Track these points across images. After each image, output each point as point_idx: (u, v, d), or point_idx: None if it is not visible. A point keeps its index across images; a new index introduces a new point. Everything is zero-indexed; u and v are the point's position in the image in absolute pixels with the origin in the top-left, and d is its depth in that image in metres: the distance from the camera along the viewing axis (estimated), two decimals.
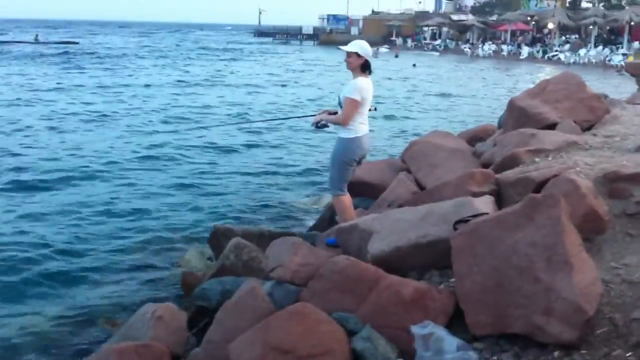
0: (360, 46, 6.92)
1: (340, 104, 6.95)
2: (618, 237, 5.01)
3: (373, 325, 4.31)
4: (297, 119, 16.92)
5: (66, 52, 57.75)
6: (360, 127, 6.94)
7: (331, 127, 7.23)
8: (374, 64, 7.18)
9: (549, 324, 3.81)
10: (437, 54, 72.37)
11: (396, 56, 66.00)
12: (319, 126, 7.11)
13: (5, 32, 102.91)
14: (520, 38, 73.52)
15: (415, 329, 4.09)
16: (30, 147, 16.33)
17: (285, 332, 4.19)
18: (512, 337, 4.01)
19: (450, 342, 3.95)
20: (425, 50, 77.54)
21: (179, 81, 35.42)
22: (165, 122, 21.45)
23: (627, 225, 5.16)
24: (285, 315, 4.34)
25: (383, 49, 74.00)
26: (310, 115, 7.85)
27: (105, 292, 7.91)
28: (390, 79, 40.90)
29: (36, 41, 74.44)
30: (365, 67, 6.94)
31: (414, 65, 53.37)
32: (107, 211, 11.16)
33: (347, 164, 7.01)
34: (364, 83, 6.87)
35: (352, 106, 6.78)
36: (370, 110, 7.16)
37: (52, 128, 19.53)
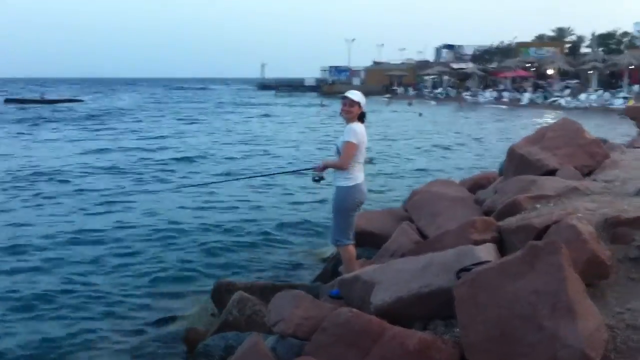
0: (360, 97, 7.03)
1: (338, 151, 6.98)
2: (621, 282, 4.98)
3: None
4: (296, 173, 16.99)
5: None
6: (358, 174, 6.99)
7: (328, 179, 7.23)
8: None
9: None
10: (434, 102, 72.81)
11: (409, 104, 66.84)
12: (317, 179, 7.12)
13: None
14: (521, 85, 74.14)
15: None
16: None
17: None
18: None
19: None
20: (426, 99, 78.16)
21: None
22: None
23: (630, 269, 5.14)
24: None
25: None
26: (309, 169, 7.86)
27: (108, 348, 7.83)
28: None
29: (42, 99, 75.31)
30: (361, 117, 7.03)
31: (420, 114, 53.73)
32: (109, 265, 11.15)
33: (351, 211, 7.03)
34: (360, 128, 6.95)
35: (351, 149, 6.84)
36: (367, 162, 7.20)
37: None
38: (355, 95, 7.02)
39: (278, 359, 4.83)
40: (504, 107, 62.99)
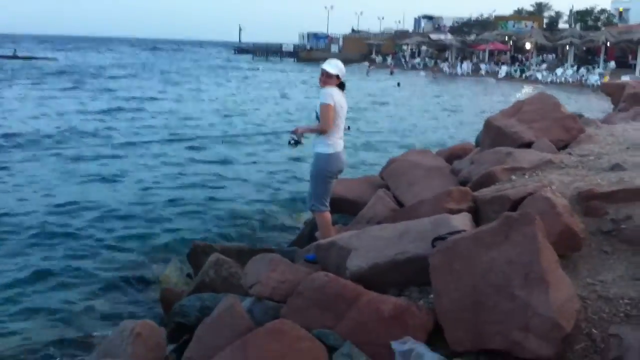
0: (339, 68, 6.98)
1: (317, 117, 6.97)
2: (594, 254, 5.09)
3: (353, 342, 4.32)
4: (273, 134, 16.97)
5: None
6: (338, 142, 6.98)
7: (307, 144, 7.22)
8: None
9: (527, 340, 3.87)
10: (424, 74, 72.23)
11: (391, 73, 66.28)
12: (292, 142, 7.10)
13: None
14: (498, 57, 74.33)
15: (396, 345, 4.11)
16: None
17: (265, 350, 4.19)
18: (491, 353, 4.05)
19: (430, 358, 3.97)
20: (405, 69, 77.85)
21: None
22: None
23: (602, 242, 5.25)
24: (264, 332, 4.34)
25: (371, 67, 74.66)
26: (287, 132, 7.84)
27: (84, 308, 7.84)
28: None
29: (14, 56, 73.88)
30: (340, 86, 7.01)
31: (398, 84, 53.59)
32: (86, 227, 11.09)
33: (329, 178, 7.04)
34: (336, 92, 6.91)
35: (328, 111, 6.81)
36: (345, 129, 7.19)
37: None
38: (332, 67, 6.96)
39: (254, 321, 4.86)
40: (481, 79, 63.10)
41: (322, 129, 6.86)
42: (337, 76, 6.94)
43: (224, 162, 17.56)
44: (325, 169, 6.98)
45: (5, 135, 19.96)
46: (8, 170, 15.33)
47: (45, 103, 30.26)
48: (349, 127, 7.67)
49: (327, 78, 6.93)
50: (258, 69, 74.73)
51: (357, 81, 53.16)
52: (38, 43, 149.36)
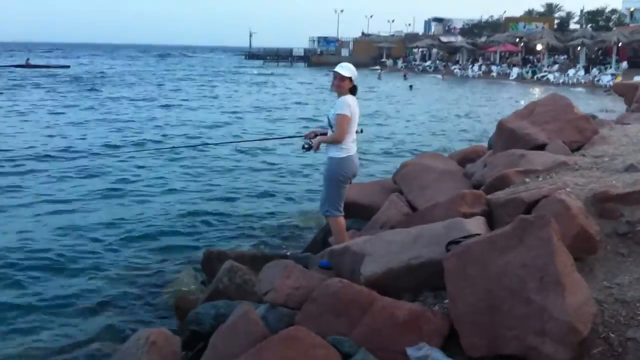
0: (352, 71, 7.00)
1: (330, 124, 6.98)
2: (610, 257, 5.05)
3: (367, 348, 4.31)
4: (288, 139, 16.89)
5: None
6: (351, 146, 7.00)
7: (320, 149, 7.22)
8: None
9: (543, 344, 3.84)
10: (440, 76, 71.83)
11: (405, 77, 65.94)
12: (306, 147, 7.12)
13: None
14: (509, 59, 74.13)
15: (411, 351, 4.10)
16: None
17: (279, 357, 4.18)
18: (507, 358, 4.02)
19: None
20: (416, 72, 77.62)
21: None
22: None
23: (618, 244, 5.20)
24: (278, 339, 4.33)
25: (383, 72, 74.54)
26: (299, 136, 7.85)
27: (99, 317, 7.85)
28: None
29: (27, 65, 74.10)
30: (352, 90, 7.01)
31: (411, 87, 53.51)
32: (100, 235, 11.11)
33: (343, 183, 7.05)
34: (352, 100, 6.94)
35: (345, 122, 6.84)
36: (357, 132, 7.20)
37: None
38: (345, 70, 6.98)
39: (268, 328, 4.85)
40: (492, 81, 62.95)
41: (337, 140, 6.90)
42: (350, 79, 6.95)
43: (236, 168, 17.57)
44: (338, 173, 6.99)
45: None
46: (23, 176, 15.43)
47: (61, 113, 30.34)
48: (361, 130, 7.69)
49: (340, 81, 6.95)
50: (272, 74, 74.53)
51: (370, 84, 53.19)
52: (47, 51, 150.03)
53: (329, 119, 7.01)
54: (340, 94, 6.98)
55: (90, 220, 11.97)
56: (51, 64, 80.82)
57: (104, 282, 8.93)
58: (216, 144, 19.04)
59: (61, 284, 8.88)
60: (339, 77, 6.95)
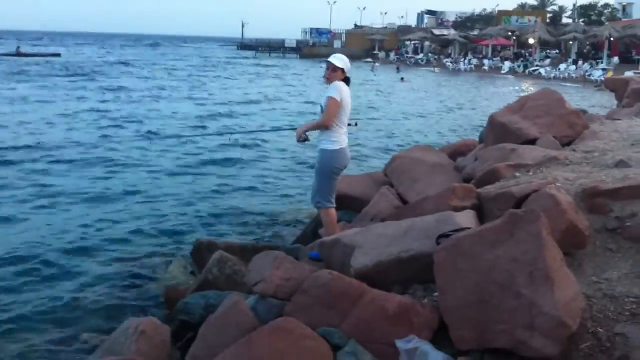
0: (344, 62, 6.99)
1: (322, 111, 6.95)
2: (599, 252, 5.07)
3: (357, 340, 4.32)
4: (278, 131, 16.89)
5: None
6: (343, 138, 6.97)
7: (313, 140, 7.21)
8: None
9: (532, 338, 3.85)
10: (433, 70, 71.70)
11: (397, 69, 65.87)
12: (301, 140, 7.11)
13: None
14: (501, 53, 74.23)
15: (400, 344, 4.11)
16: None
17: (269, 348, 4.19)
18: (496, 352, 4.04)
19: (435, 356, 3.97)
20: (408, 65, 77.50)
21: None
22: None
23: (607, 240, 5.23)
24: (268, 330, 4.33)
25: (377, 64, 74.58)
26: (291, 128, 7.85)
27: (88, 306, 7.83)
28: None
29: (18, 54, 73.49)
30: (345, 82, 7.00)
31: (402, 79, 53.68)
32: (88, 224, 11.09)
33: (334, 174, 7.03)
34: (344, 87, 6.91)
35: (334, 105, 6.78)
36: (350, 125, 7.18)
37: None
38: (339, 61, 6.96)
39: (258, 319, 4.86)
40: (484, 75, 63.04)
41: (324, 123, 6.83)
42: (342, 70, 6.94)
43: (228, 159, 17.55)
44: (331, 165, 6.97)
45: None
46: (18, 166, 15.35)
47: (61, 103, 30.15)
48: (356, 123, 7.67)
49: (332, 72, 6.93)
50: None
51: (364, 77, 53.14)
52: (36, 39, 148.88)
53: (321, 107, 6.98)
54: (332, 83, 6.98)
55: (78, 211, 11.92)
56: (42, 52, 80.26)
57: (93, 272, 8.91)
58: (207, 135, 18.98)
59: (49, 274, 8.85)
60: (332, 68, 6.93)
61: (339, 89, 6.82)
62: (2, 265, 9.10)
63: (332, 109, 6.79)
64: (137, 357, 4.93)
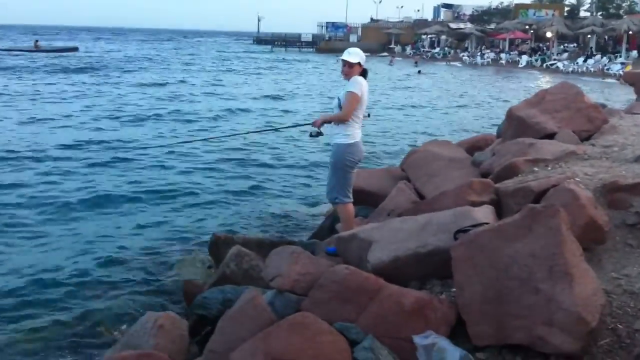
0: (360, 56, 6.97)
1: (339, 105, 6.94)
2: (618, 248, 5.03)
3: (374, 335, 4.31)
4: (294, 128, 16.83)
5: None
6: (357, 131, 6.97)
7: (327, 134, 7.20)
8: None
9: (551, 334, 3.83)
10: (449, 64, 71.44)
11: (415, 63, 65.80)
12: (314, 135, 7.11)
13: None
14: (519, 47, 73.70)
15: (418, 339, 4.10)
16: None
17: (286, 343, 4.19)
18: (514, 347, 4.02)
19: (453, 352, 3.95)
20: (424, 59, 77.10)
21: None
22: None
23: (627, 235, 5.19)
24: (286, 325, 4.33)
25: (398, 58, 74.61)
26: (306, 124, 7.83)
27: (107, 301, 7.89)
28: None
29: (36, 48, 73.78)
30: (363, 73, 6.98)
31: (419, 72, 53.94)
32: (107, 220, 11.16)
33: (349, 168, 7.02)
34: (363, 81, 6.91)
35: (354, 100, 6.79)
36: (364, 117, 7.17)
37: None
38: (353, 56, 6.95)
39: (275, 314, 4.86)
40: (501, 69, 62.69)
41: (343, 118, 6.84)
42: (359, 63, 6.92)
43: (245, 155, 17.56)
44: (345, 159, 6.96)
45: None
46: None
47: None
48: (369, 115, 7.65)
49: (349, 68, 6.92)
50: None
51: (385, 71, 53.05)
52: (53, 34, 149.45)
53: (339, 100, 6.97)
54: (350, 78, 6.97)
55: (98, 206, 12.00)
56: (60, 47, 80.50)
57: (111, 267, 8.98)
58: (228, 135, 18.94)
59: (69, 269, 8.91)
60: (348, 65, 6.92)
61: (360, 84, 6.82)
62: (22, 258, 9.21)
63: (352, 104, 6.80)
64: (155, 351, 4.95)
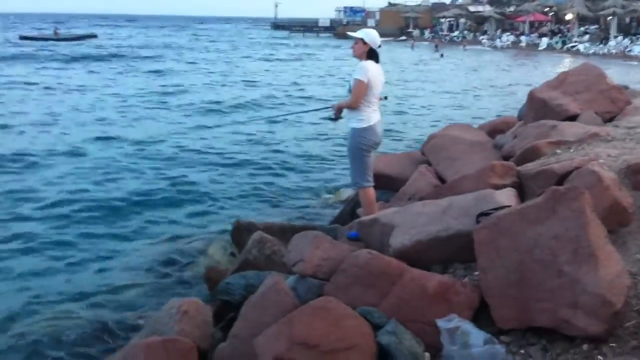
0: (366, 33, 6.96)
1: (350, 91, 6.93)
2: None
3: (397, 319, 4.30)
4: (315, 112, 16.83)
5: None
6: (372, 115, 6.93)
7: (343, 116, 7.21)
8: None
9: (576, 317, 3.80)
10: (472, 47, 70.84)
11: (436, 47, 65.81)
12: (334, 118, 7.11)
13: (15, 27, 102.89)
14: (539, 29, 72.94)
15: (441, 323, 4.09)
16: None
17: (310, 327, 4.19)
18: (538, 330, 3.99)
19: (477, 335, 3.94)
20: (443, 42, 76.50)
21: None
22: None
23: None
24: (309, 310, 4.33)
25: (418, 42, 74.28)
26: (326, 108, 7.85)
27: (131, 287, 7.98)
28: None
29: (56, 36, 74.23)
30: (371, 56, 6.95)
31: (442, 55, 54.61)
32: (131, 208, 11.25)
33: (366, 152, 6.99)
34: (371, 66, 6.86)
35: (360, 87, 6.77)
36: (380, 99, 7.14)
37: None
38: (357, 33, 6.99)
39: (298, 299, 4.88)
40: (521, 52, 62.13)
41: (352, 105, 6.86)
42: (363, 40, 6.92)
43: (266, 140, 17.60)
44: (360, 143, 6.94)
45: None
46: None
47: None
48: (386, 97, 7.62)
49: (355, 45, 6.95)
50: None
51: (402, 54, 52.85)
52: (66, 20, 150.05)
53: (349, 85, 6.96)
54: (359, 58, 6.95)
55: (119, 193, 12.09)
56: (79, 34, 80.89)
57: (136, 255, 9.06)
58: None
59: (94, 256, 9.02)
60: (361, 42, 6.93)
61: (366, 70, 6.78)
62: (49, 247, 9.31)
63: (358, 91, 6.79)
64: (180, 337, 4.99)
